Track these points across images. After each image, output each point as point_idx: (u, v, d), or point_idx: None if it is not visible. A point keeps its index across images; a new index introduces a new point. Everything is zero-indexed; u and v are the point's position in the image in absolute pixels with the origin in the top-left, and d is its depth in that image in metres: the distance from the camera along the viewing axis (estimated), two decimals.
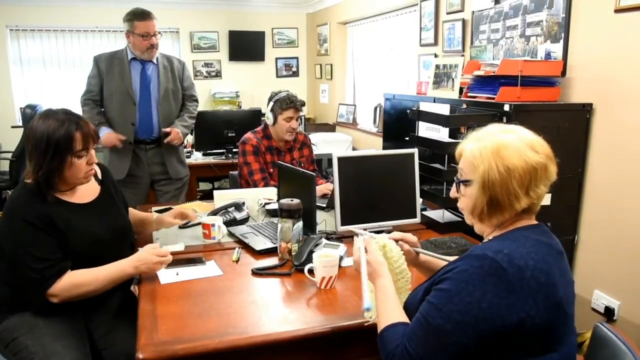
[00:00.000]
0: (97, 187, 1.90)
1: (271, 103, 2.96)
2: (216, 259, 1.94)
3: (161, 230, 2.21)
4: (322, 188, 2.84)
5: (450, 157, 2.49)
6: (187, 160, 3.63)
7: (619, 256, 2.51)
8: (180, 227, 2.31)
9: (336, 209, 2.10)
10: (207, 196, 3.95)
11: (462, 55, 3.48)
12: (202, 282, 1.74)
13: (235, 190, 2.80)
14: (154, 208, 2.64)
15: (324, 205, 2.60)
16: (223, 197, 2.57)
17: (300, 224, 1.88)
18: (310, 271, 1.69)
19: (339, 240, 2.05)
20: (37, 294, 1.65)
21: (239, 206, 2.42)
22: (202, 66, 6.44)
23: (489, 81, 2.68)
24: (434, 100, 3.03)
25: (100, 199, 1.87)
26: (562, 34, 2.71)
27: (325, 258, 1.66)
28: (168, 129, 3.16)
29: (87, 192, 1.84)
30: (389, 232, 2.05)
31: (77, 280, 1.67)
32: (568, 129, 2.55)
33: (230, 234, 2.19)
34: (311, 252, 1.80)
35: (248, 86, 6.53)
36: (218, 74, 6.52)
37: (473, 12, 3.42)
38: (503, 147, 1.14)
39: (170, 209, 2.61)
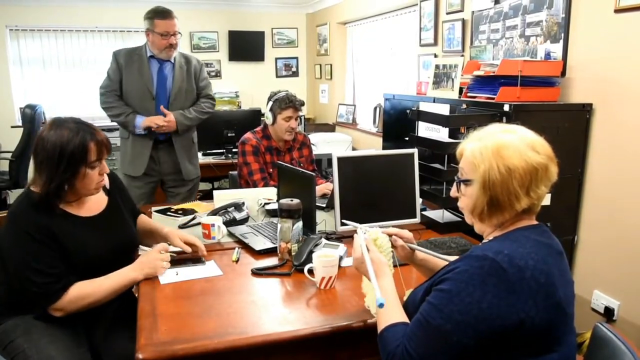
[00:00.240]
0: (104, 199, 1.85)
1: (270, 103, 2.96)
2: (216, 259, 1.94)
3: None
4: (321, 188, 2.84)
5: (450, 157, 2.50)
6: None
7: (618, 256, 2.51)
8: (180, 227, 2.30)
9: (336, 209, 2.10)
10: (207, 196, 3.95)
11: (462, 56, 3.48)
12: (202, 282, 1.74)
13: (235, 190, 2.80)
14: (154, 208, 2.64)
15: (324, 205, 2.60)
16: (223, 197, 2.57)
17: (300, 224, 1.88)
18: (310, 271, 1.69)
19: (338, 240, 2.05)
20: (41, 308, 1.63)
21: (238, 206, 2.42)
22: None
23: (489, 81, 2.68)
24: (434, 100, 3.03)
25: (106, 212, 1.83)
26: (562, 34, 2.71)
27: (325, 258, 1.66)
28: (166, 111, 3.11)
29: (93, 204, 1.80)
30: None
31: (82, 292, 1.64)
32: (568, 129, 2.55)
33: (230, 234, 2.19)
34: (311, 252, 1.80)
35: (248, 86, 6.53)
36: (218, 74, 6.52)
37: (473, 12, 3.43)
38: (504, 147, 1.14)
39: (169, 209, 2.62)
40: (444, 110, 2.81)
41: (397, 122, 3.52)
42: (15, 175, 4.75)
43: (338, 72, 6.10)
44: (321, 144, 5.03)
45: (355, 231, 1.48)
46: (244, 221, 2.36)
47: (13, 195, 5.32)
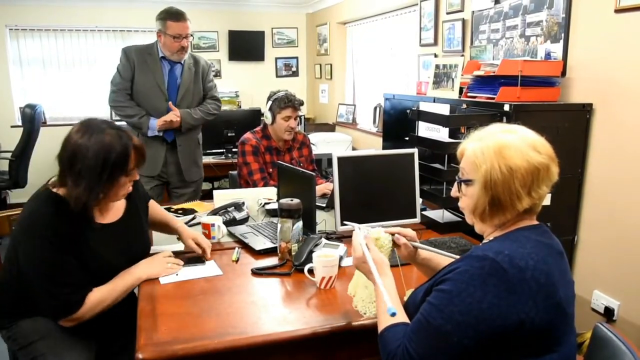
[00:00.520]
0: (123, 204, 1.80)
1: (269, 102, 2.96)
2: (216, 259, 1.94)
3: None
4: (321, 188, 2.84)
5: (450, 157, 2.50)
6: None
7: (618, 256, 2.51)
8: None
9: (336, 208, 2.10)
10: (207, 196, 3.94)
11: (462, 55, 3.48)
12: (202, 282, 1.74)
13: (235, 190, 2.80)
14: None
15: (324, 205, 2.60)
16: (223, 196, 2.57)
17: (300, 223, 1.88)
18: (310, 271, 1.69)
19: (338, 240, 2.04)
20: (58, 319, 1.61)
21: (238, 206, 2.42)
22: None
23: (489, 81, 2.68)
24: (434, 100, 3.03)
25: (124, 218, 1.78)
26: (562, 34, 2.71)
27: (325, 258, 1.66)
28: (174, 108, 3.10)
29: (113, 210, 1.76)
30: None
31: (97, 299, 1.62)
32: (568, 129, 2.55)
33: (230, 234, 2.19)
34: (311, 252, 1.80)
35: (248, 86, 6.52)
36: (218, 74, 6.51)
37: (473, 12, 3.42)
38: (505, 147, 1.13)
39: (169, 208, 2.62)
40: (444, 110, 2.80)
41: (397, 122, 3.52)
42: (15, 175, 4.75)
43: (338, 72, 6.10)
44: (321, 143, 5.02)
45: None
46: (244, 221, 2.36)
47: (13, 195, 5.32)
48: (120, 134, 1.59)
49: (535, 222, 1.20)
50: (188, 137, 3.24)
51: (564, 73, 2.70)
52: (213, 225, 2.12)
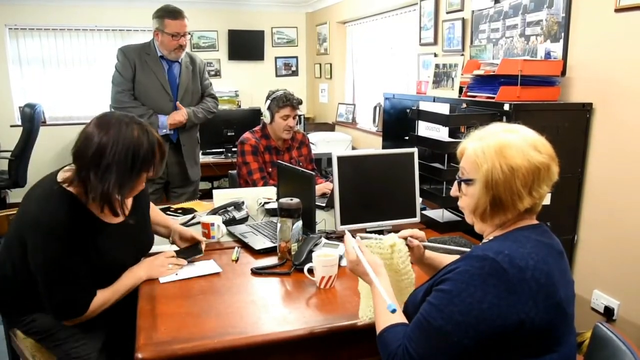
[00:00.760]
0: (129, 202, 1.78)
1: (268, 101, 2.96)
2: (215, 258, 1.93)
3: None
4: (321, 187, 2.84)
5: (450, 157, 2.50)
6: None
7: (618, 256, 2.50)
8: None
9: (336, 208, 2.10)
10: (207, 195, 3.94)
11: (462, 55, 3.48)
12: (202, 281, 1.73)
13: (235, 189, 2.80)
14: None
15: (324, 204, 2.60)
16: (222, 196, 2.57)
17: (299, 223, 1.87)
18: (310, 271, 1.69)
19: (338, 240, 2.04)
20: (62, 320, 1.62)
21: (238, 205, 2.42)
22: None
23: (489, 80, 2.68)
24: (434, 99, 3.03)
25: (132, 215, 1.76)
26: (562, 34, 2.70)
27: (325, 258, 1.66)
28: (180, 106, 3.09)
29: (127, 205, 1.75)
30: (389, 231, 2.06)
31: (101, 300, 1.62)
32: (568, 129, 2.55)
33: (230, 233, 2.19)
34: (311, 251, 1.80)
35: (247, 85, 6.52)
36: (217, 73, 6.51)
37: (473, 11, 3.42)
38: (506, 147, 1.13)
39: (169, 208, 2.62)
40: (443, 109, 2.80)
41: (397, 122, 3.52)
42: (14, 174, 4.75)
43: (338, 71, 6.09)
44: (321, 143, 5.02)
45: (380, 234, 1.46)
46: (243, 220, 2.36)
47: (12, 195, 5.32)
48: (146, 129, 1.56)
49: (535, 222, 1.20)
50: (190, 136, 3.24)
51: (563, 72, 2.69)
52: (213, 224, 2.12)
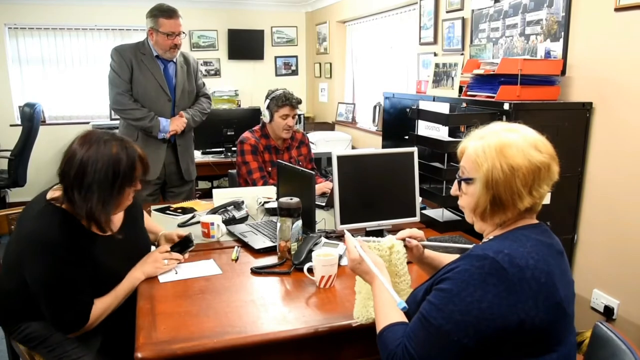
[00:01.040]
0: (121, 214, 1.79)
1: (267, 101, 2.96)
2: (215, 258, 1.93)
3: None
4: (321, 187, 2.84)
5: (450, 156, 2.49)
6: None
7: (618, 255, 2.50)
8: (179, 226, 2.30)
9: (335, 207, 2.10)
10: (206, 195, 3.95)
11: (462, 54, 3.47)
12: (201, 280, 1.73)
13: (234, 189, 2.80)
14: (153, 207, 2.63)
15: (323, 204, 2.60)
16: (222, 195, 2.57)
17: (299, 222, 1.87)
18: (310, 270, 1.69)
19: (338, 239, 2.04)
20: (65, 333, 1.63)
21: (238, 205, 2.42)
22: (201, 65, 6.42)
23: (489, 80, 2.68)
24: (434, 99, 3.02)
25: (124, 228, 1.77)
26: (562, 33, 2.70)
27: (325, 257, 1.66)
28: (183, 113, 3.10)
29: (114, 221, 1.72)
30: (389, 231, 2.06)
31: (101, 309, 1.63)
32: (568, 128, 2.54)
33: (230, 233, 2.19)
34: (310, 251, 1.80)
35: (247, 85, 6.52)
36: (217, 73, 6.51)
37: (473, 10, 3.42)
38: (507, 146, 1.13)
39: (169, 207, 2.61)
40: (443, 109, 2.80)
41: (397, 121, 3.51)
42: (14, 173, 4.76)
43: (337, 70, 6.09)
44: (321, 142, 5.02)
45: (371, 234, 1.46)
46: (243, 220, 2.36)
47: (12, 194, 5.32)
48: (125, 145, 1.59)
49: (535, 221, 1.20)
50: (186, 136, 3.23)
51: (563, 72, 2.69)
52: (212, 224, 2.12)
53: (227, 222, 2.26)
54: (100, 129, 1.65)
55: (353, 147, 5.37)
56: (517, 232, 1.16)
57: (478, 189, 1.16)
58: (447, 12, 3.71)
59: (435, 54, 3.90)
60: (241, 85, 6.50)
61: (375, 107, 5.07)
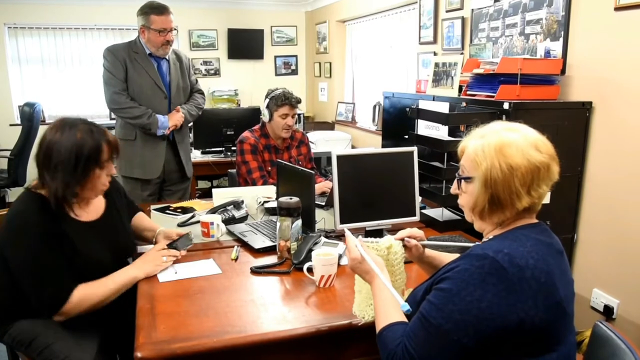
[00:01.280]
0: (102, 202, 1.85)
1: (267, 100, 2.96)
2: (215, 258, 1.93)
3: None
4: (321, 186, 2.83)
5: (450, 156, 2.49)
6: None
7: (618, 255, 2.50)
8: (179, 225, 2.30)
9: (335, 207, 2.10)
10: (206, 194, 3.95)
11: (462, 54, 3.47)
12: (201, 280, 1.73)
13: (234, 188, 2.80)
14: (153, 207, 2.63)
15: (323, 203, 2.60)
16: (222, 195, 2.57)
17: (299, 222, 1.87)
18: (309, 270, 1.69)
19: (338, 239, 2.04)
20: (46, 315, 1.63)
21: (237, 204, 2.42)
22: (201, 64, 6.43)
23: (489, 79, 2.68)
24: (433, 98, 3.02)
25: (105, 216, 1.82)
26: (562, 32, 2.70)
27: (324, 256, 1.66)
28: (179, 108, 3.10)
29: (94, 207, 1.80)
30: (389, 231, 2.06)
31: (84, 294, 1.63)
32: (567, 128, 2.54)
33: (229, 232, 2.19)
34: (310, 250, 1.80)
35: (247, 84, 6.52)
36: (217, 72, 6.51)
37: (472, 10, 3.42)
38: (506, 145, 1.13)
39: (168, 207, 2.61)
40: (443, 108, 2.80)
41: (397, 120, 3.51)
42: (14, 173, 4.75)
43: (337, 70, 6.09)
44: (320, 142, 5.02)
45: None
46: (243, 219, 2.36)
47: (12, 194, 5.32)
48: (92, 129, 1.65)
49: (535, 221, 1.20)
50: (183, 132, 3.24)
51: (563, 71, 2.69)
52: (212, 223, 2.11)
53: (226, 222, 2.26)
54: (76, 117, 1.71)
55: (353, 147, 5.37)
56: (516, 231, 1.16)
57: (477, 188, 1.16)
58: (447, 11, 3.71)
59: (435, 54, 3.90)
60: (241, 84, 6.50)
61: (375, 106, 5.06)
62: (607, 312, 2.55)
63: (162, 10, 2.97)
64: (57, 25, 5.82)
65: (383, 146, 3.75)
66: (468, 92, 2.83)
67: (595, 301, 2.63)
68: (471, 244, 1.26)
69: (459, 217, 2.38)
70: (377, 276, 1.27)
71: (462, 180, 1.22)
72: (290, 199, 1.88)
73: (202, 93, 3.36)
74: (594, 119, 2.58)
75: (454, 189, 1.27)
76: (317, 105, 6.74)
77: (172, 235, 1.97)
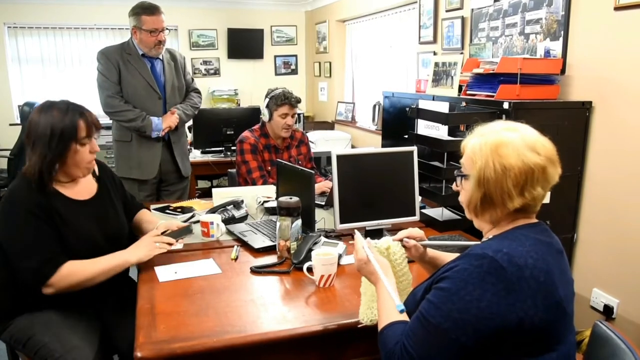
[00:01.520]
0: (94, 185, 1.89)
1: (267, 100, 2.96)
2: (215, 257, 1.93)
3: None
4: (320, 186, 2.83)
5: (449, 155, 2.49)
6: None
7: (618, 254, 2.50)
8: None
9: (335, 207, 2.10)
10: (206, 194, 3.95)
11: (461, 53, 3.47)
12: (201, 280, 1.73)
13: (234, 188, 2.80)
14: (153, 206, 2.63)
15: (323, 203, 2.60)
16: (222, 195, 2.57)
17: (299, 222, 1.87)
18: (309, 269, 1.69)
19: (337, 239, 2.04)
20: (32, 288, 1.66)
21: (237, 204, 2.42)
22: (201, 64, 6.43)
23: (488, 79, 2.68)
24: (433, 98, 3.02)
25: (97, 198, 1.87)
26: (562, 32, 2.70)
27: (324, 256, 1.66)
28: (173, 109, 3.10)
29: (84, 188, 1.84)
30: (389, 230, 2.06)
31: (74, 268, 1.67)
32: (567, 127, 2.54)
33: (229, 232, 2.19)
34: (310, 250, 1.80)
35: (247, 84, 6.52)
36: (217, 72, 6.51)
37: (472, 9, 3.42)
38: (503, 145, 1.13)
39: (168, 206, 2.61)
40: (443, 108, 2.80)
41: (397, 120, 3.51)
42: (13, 173, 4.74)
43: (337, 69, 6.09)
44: (320, 141, 5.02)
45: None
46: (242, 219, 2.36)
47: None
48: (68, 107, 1.71)
49: (535, 220, 1.20)
50: (179, 132, 3.24)
51: (563, 71, 2.69)
52: (212, 223, 2.11)
53: (226, 222, 2.26)
54: (58, 100, 1.77)
55: (352, 147, 5.37)
56: (516, 231, 1.16)
57: (471, 185, 1.18)
58: (447, 11, 3.71)
59: (434, 53, 3.90)
60: (241, 84, 6.50)
61: (374, 106, 5.06)
62: (607, 311, 2.55)
63: (153, 10, 2.96)
64: (57, 25, 5.82)
65: (383, 146, 3.75)
66: (468, 92, 2.83)
67: (595, 301, 2.63)
68: (471, 244, 1.27)
69: (458, 217, 2.38)
70: (380, 277, 1.27)
71: (461, 178, 1.23)
72: (290, 198, 1.88)
73: (198, 92, 3.36)
74: (593, 118, 2.58)
75: (455, 186, 1.28)
76: (317, 105, 6.74)
77: (172, 227, 1.98)
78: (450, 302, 1.06)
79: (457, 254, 1.42)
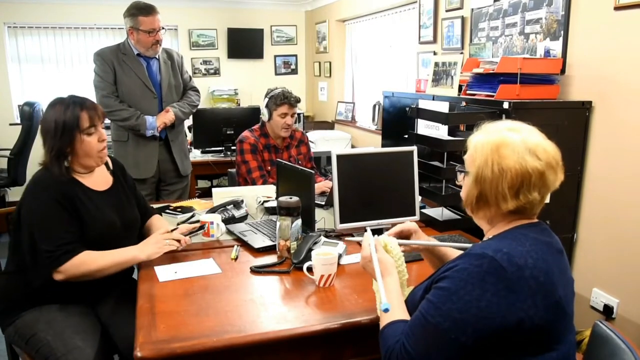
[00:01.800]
0: (109, 177, 1.98)
1: (266, 99, 2.96)
2: (215, 257, 1.93)
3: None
4: (320, 186, 2.83)
5: (449, 155, 2.49)
6: None
7: (618, 254, 2.50)
8: (178, 225, 2.30)
9: (335, 206, 2.10)
10: (206, 194, 3.95)
11: (461, 53, 3.47)
12: (201, 280, 1.73)
13: (234, 187, 2.80)
14: (152, 206, 2.63)
15: (323, 203, 2.60)
16: (222, 194, 2.57)
17: (299, 221, 1.87)
18: (309, 269, 1.69)
19: (337, 238, 2.04)
20: (45, 270, 1.70)
21: (237, 204, 2.42)
22: (201, 64, 6.42)
23: (488, 79, 2.68)
24: (433, 98, 3.02)
25: (113, 189, 1.95)
26: (562, 32, 2.70)
27: (324, 256, 1.66)
28: (168, 108, 3.11)
29: (101, 180, 1.93)
30: (388, 230, 2.06)
31: (86, 258, 1.72)
32: (567, 127, 2.54)
33: (229, 232, 2.19)
34: (310, 250, 1.80)
35: (247, 84, 6.51)
36: (217, 72, 6.50)
37: (472, 9, 3.42)
38: (503, 146, 1.13)
39: (168, 206, 2.61)
40: (443, 107, 2.80)
41: (397, 120, 3.51)
42: (13, 173, 4.75)
43: (337, 69, 6.09)
44: (320, 141, 5.02)
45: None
46: (242, 219, 2.36)
47: (12, 193, 5.31)
48: (73, 101, 1.80)
49: (535, 220, 1.20)
50: (177, 131, 3.23)
51: (563, 71, 2.69)
52: (212, 223, 2.11)
53: (226, 221, 2.26)
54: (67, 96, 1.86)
55: (352, 146, 5.37)
56: (516, 231, 1.16)
57: (470, 182, 1.18)
58: (447, 10, 3.71)
59: (434, 53, 3.89)
60: (241, 84, 6.50)
61: (374, 106, 5.06)
62: (607, 311, 2.55)
63: (150, 10, 2.96)
64: (56, 24, 5.82)
65: (383, 146, 3.75)
66: (468, 92, 2.83)
67: (595, 301, 2.63)
68: (469, 245, 1.27)
69: (458, 217, 2.38)
70: (387, 276, 1.29)
71: (462, 173, 1.24)
72: (290, 198, 1.88)
73: (196, 90, 3.35)
74: (593, 118, 2.58)
75: (458, 179, 1.29)
76: (317, 104, 6.74)
77: (189, 228, 2.03)
78: (450, 302, 1.06)
79: (461, 251, 1.43)
